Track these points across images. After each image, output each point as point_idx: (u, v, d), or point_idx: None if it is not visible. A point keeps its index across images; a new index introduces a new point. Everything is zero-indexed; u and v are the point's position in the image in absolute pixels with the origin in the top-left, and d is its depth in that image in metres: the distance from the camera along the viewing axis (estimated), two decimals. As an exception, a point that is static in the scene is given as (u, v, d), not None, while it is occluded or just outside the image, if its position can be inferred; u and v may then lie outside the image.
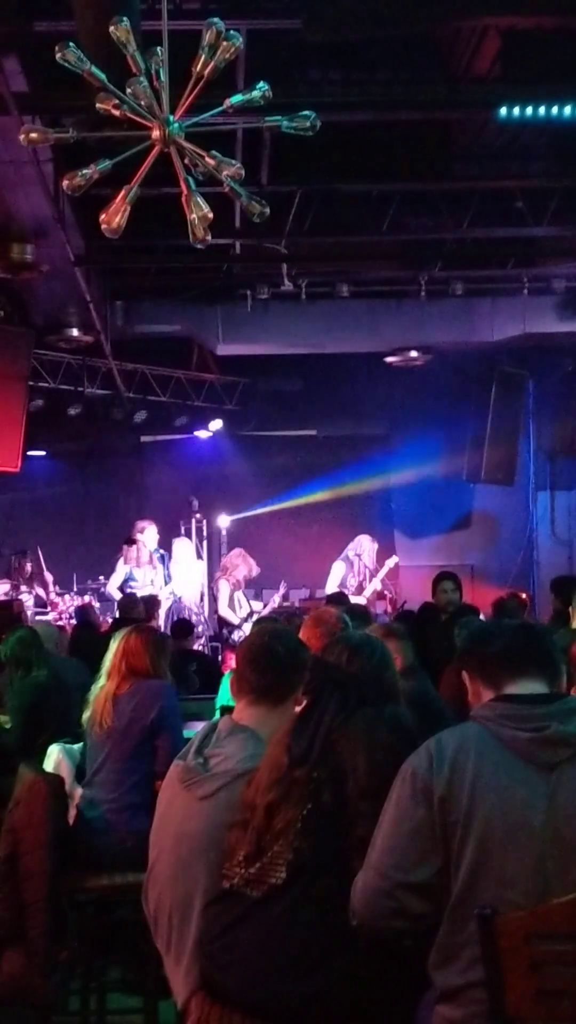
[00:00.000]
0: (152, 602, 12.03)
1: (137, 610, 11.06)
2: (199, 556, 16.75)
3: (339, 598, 11.10)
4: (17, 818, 5.22)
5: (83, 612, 13.69)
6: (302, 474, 18.25)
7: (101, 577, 14.92)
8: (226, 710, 4.41)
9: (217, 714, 6.53)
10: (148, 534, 14.01)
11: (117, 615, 11.83)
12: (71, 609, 14.66)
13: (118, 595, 13.51)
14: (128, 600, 11.67)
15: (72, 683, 7.67)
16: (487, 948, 2.95)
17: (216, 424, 17.98)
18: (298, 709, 3.89)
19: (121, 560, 13.88)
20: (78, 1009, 5.56)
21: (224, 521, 17.76)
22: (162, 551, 14.40)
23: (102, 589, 14.78)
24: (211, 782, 3.90)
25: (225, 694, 7.01)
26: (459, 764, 3.14)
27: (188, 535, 16.85)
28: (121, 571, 13.82)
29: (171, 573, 14.22)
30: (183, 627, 11.44)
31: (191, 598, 15.54)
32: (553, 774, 3.11)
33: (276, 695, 4.08)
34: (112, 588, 13.84)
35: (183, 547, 15.72)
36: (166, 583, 13.88)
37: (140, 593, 12.93)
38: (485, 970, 2.96)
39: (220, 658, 12.43)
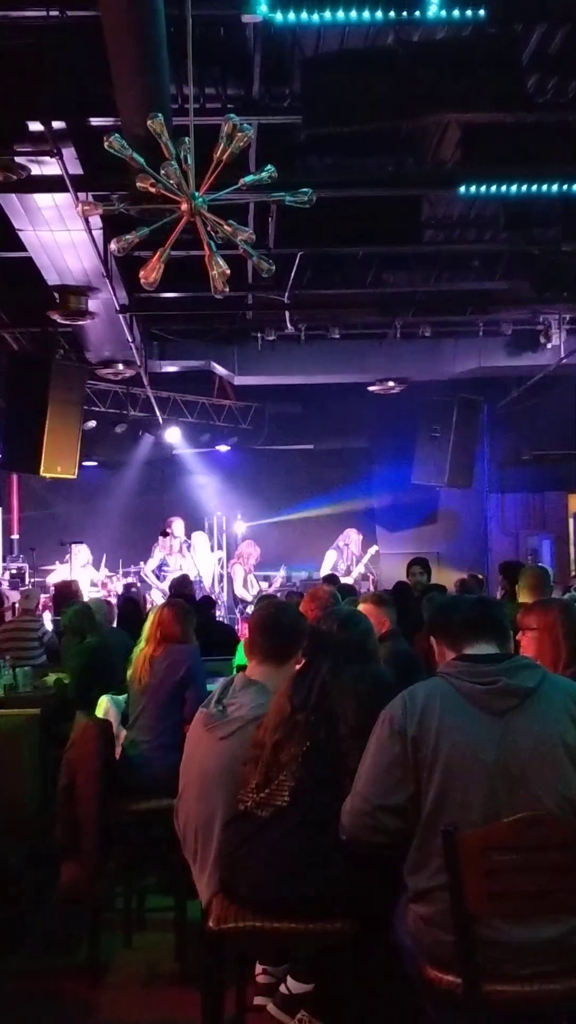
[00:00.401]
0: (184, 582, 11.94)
1: (190, 588, 11.01)
2: (218, 546, 16.71)
3: (331, 579, 11.08)
4: (73, 755, 5.23)
5: (127, 591, 13.63)
6: (301, 480, 18.22)
7: (142, 563, 14.86)
8: (241, 668, 4.39)
9: (234, 672, 6.52)
10: (177, 527, 13.97)
11: (170, 592, 11.70)
12: (118, 588, 14.62)
13: (152, 577, 13.46)
14: (182, 580, 11.54)
15: (118, 648, 7.67)
16: (450, 858, 2.94)
17: (233, 440, 17.98)
18: (298, 667, 3.89)
19: (157, 548, 13.85)
20: (122, 907, 5.55)
21: (239, 524, 17.65)
22: (188, 540, 14.36)
23: (141, 572, 14.74)
24: (228, 725, 3.90)
25: (240, 656, 6.99)
26: (427, 711, 3.14)
27: (209, 530, 16.82)
28: (156, 557, 13.78)
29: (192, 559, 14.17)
30: (209, 601, 11.43)
31: (207, 579, 15.47)
32: (503, 719, 3.10)
33: (281, 656, 4.08)
34: (148, 571, 13.79)
35: (200, 539, 15.64)
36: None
37: (170, 575, 12.92)
38: (448, 876, 2.96)
39: (237, 628, 12.38)
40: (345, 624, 3.95)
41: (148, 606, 11.39)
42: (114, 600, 12.67)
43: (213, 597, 13.43)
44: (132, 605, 11.24)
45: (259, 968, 4.59)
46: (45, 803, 6.58)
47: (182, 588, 10.86)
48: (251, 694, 3.96)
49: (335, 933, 3.42)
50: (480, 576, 13.38)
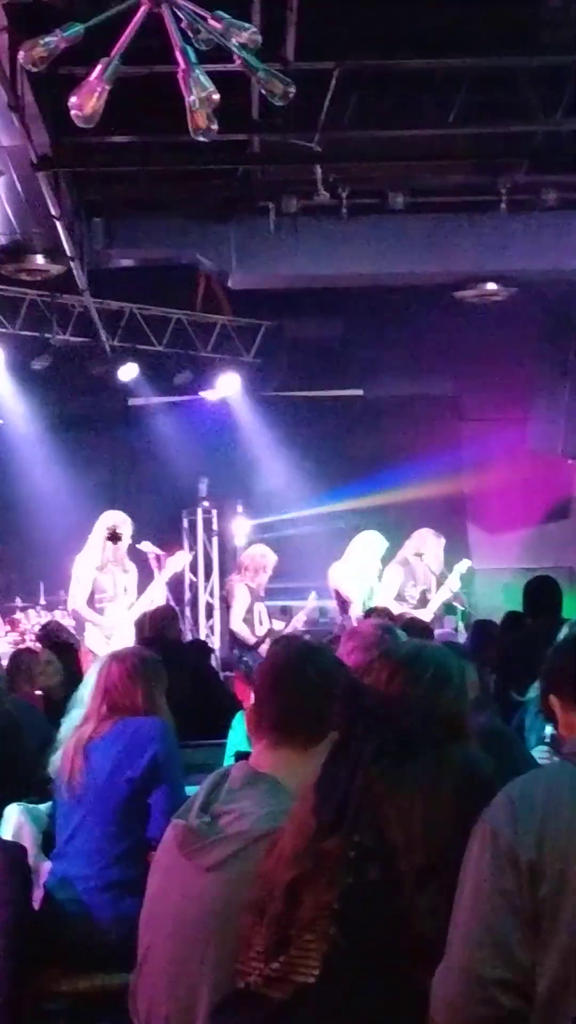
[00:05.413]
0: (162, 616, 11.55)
1: (173, 628, 10.85)
2: (201, 552, 16.64)
3: (383, 613, 10.95)
4: (-35, 900, 5.27)
5: (50, 633, 13.26)
6: (343, 448, 18.24)
7: (62, 592, 14.49)
8: (241, 756, 4.42)
9: (230, 760, 6.55)
10: (124, 528, 13.54)
11: (139, 632, 11.18)
12: (35, 628, 14.42)
13: (88, 612, 12.84)
14: (161, 613, 11.23)
15: (30, 728, 7.72)
16: None
17: (230, 382, 17.98)
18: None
19: (81, 563, 13.14)
20: None
21: (239, 520, 17.64)
22: (160, 553, 13.96)
23: (68, 605, 14.05)
24: (221, 847, 3.90)
25: (240, 736, 7.01)
26: (550, 819, 3.13)
27: (191, 526, 16.80)
28: (84, 578, 12.96)
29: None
30: (201, 649, 11.45)
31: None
32: None
33: (307, 733, 4.07)
34: (77, 602, 12.97)
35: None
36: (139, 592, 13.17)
37: (109, 605, 12.66)
38: None
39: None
40: (401, 671, 3.96)
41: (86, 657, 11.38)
42: (34, 647, 12.64)
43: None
44: (67, 653, 11.18)
45: None
46: None
47: (161, 627, 10.79)
48: (257, 796, 3.98)
49: None
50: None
